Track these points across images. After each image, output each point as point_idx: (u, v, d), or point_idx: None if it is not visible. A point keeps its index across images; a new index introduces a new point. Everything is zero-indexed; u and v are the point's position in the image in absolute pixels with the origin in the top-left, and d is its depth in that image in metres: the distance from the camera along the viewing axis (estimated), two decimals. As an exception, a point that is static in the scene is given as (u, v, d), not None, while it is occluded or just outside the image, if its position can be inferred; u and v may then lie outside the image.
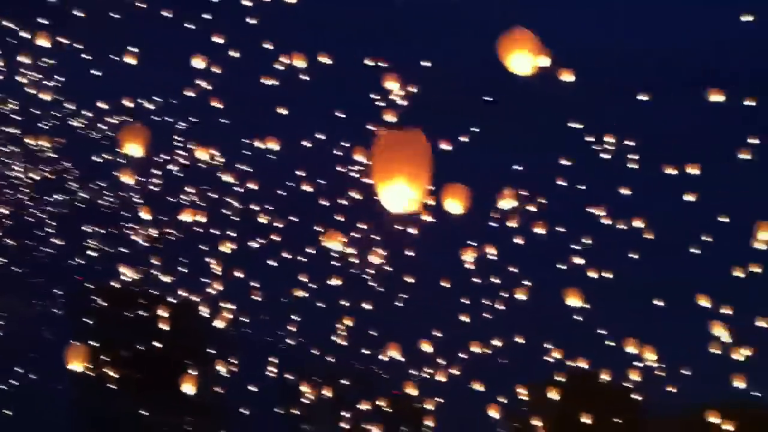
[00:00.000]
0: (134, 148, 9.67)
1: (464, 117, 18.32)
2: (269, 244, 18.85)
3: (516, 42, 6.85)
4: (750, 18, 13.70)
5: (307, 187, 17.23)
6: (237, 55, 15.14)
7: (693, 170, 14.80)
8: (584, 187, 17.63)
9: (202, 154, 16.47)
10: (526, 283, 18.35)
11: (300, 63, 13.71)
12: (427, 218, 17.47)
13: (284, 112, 15.58)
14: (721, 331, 14.14)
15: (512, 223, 17.36)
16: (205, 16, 15.56)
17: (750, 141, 14.95)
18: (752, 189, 18.16)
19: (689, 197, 15.77)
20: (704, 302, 15.96)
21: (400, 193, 4.14)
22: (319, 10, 18.24)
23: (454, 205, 7.21)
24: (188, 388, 13.26)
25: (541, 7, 18.67)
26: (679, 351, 18.52)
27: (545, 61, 13.01)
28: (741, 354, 16.79)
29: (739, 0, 14.65)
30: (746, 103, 15.25)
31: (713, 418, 17.95)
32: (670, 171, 15.24)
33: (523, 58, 6.85)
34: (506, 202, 14.14)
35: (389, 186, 4.14)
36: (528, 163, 18.27)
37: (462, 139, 17.68)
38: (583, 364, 19.46)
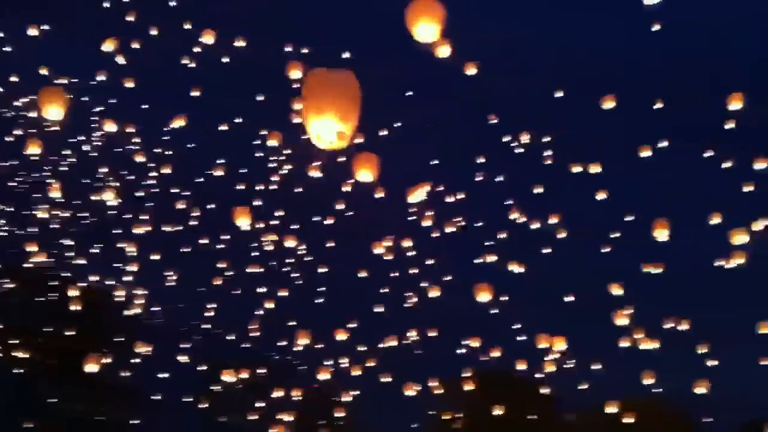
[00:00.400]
0: (54, 111, 9.34)
1: (383, 112, 18.38)
2: (185, 230, 18.63)
3: (422, 10, 6.86)
4: (657, 27, 14.10)
5: (221, 172, 17.04)
6: (155, 32, 14.91)
7: (598, 168, 15.11)
8: (500, 183, 17.88)
9: (114, 130, 16.12)
10: (441, 277, 18.53)
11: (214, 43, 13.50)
12: (345, 209, 17.55)
13: (197, 93, 15.39)
14: (624, 321, 14.40)
15: (427, 219, 17.50)
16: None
17: (656, 141, 15.32)
18: (659, 187, 18.61)
19: (601, 195, 16.09)
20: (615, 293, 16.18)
21: (330, 127, 4.26)
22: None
23: (365, 174, 7.26)
24: (91, 367, 12.96)
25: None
26: (590, 346, 18.88)
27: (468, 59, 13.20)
28: (649, 349, 17.16)
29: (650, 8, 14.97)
30: (657, 106, 15.69)
31: (624, 416, 18.35)
32: (581, 168, 15.51)
33: (428, 27, 6.87)
34: (416, 196, 14.24)
35: (319, 120, 4.26)
36: (444, 158, 18.43)
37: (381, 133, 17.80)
38: (496, 358, 19.70)
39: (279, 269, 19.30)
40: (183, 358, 19.94)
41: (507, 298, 19.11)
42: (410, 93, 19.05)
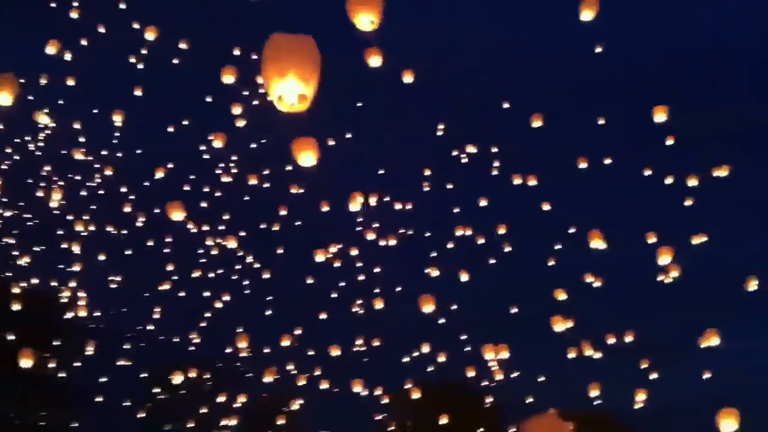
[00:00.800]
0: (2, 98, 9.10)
1: (335, 121, 18.41)
2: (131, 233, 18.45)
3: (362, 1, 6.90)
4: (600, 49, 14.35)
5: (161, 174, 16.88)
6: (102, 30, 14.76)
7: (535, 181, 15.23)
8: (447, 193, 17.96)
9: (58, 130, 15.89)
10: (387, 287, 18.58)
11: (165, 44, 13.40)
12: (291, 216, 17.50)
13: (139, 93, 15.26)
14: (561, 325, 14.43)
15: (372, 232, 17.54)
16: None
17: (600, 155, 15.50)
18: (601, 200, 18.82)
19: (545, 206, 16.22)
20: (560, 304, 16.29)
21: (292, 89, 4.27)
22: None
23: (307, 157, 7.22)
24: (26, 363, 12.69)
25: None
26: (535, 357, 19.01)
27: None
28: (594, 360, 17.29)
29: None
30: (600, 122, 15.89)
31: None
32: (523, 180, 15.63)
33: (365, 16, 6.90)
34: (356, 205, 14.28)
35: (281, 82, 4.25)
36: (392, 168, 18.47)
37: (330, 142, 17.80)
38: (442, 367, 19.76)
39: (225, 274, 19.21)
40: (125, 362, 19.69)
41: (453, 308, 19.25)
42: (360, 104, 19.07)
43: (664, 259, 12.75)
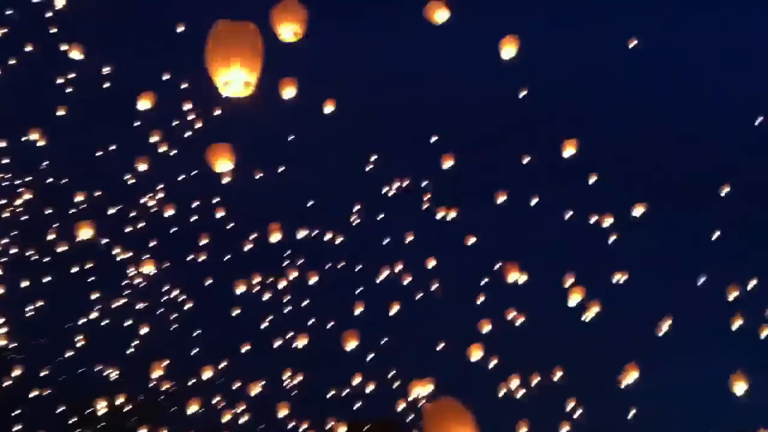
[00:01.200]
0: None
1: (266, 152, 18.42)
2: (53, 259, 17.97)
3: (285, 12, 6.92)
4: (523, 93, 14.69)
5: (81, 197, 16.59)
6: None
7: (454, 212, 15.38)
8: (375, 227, 18.00)
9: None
10: (313, 321, 18.47)
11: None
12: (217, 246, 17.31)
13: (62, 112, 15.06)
14: (477, 353, 14.43)
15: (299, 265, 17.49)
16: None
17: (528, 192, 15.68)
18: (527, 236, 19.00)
19: (471, 239, 16.35)
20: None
21: (237, 77, 4.37)
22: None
23: (224, 163, 7.27)
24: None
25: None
26: (462, 394, 18.96)
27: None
28: (520, 399, 17.32)
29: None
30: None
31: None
32: (452, 213, 15.75)
33: (288, 27, 6.93)
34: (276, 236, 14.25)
35: (227, 70, 4.35)
36: (322, 199, 18.47)
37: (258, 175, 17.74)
38: (367, 403, 19.63)
39: (150, 304, 18.88)
40: (43, 393, 19.12)
41: (382, 343, 19.21)
42: (293, 137, 19.05)
43: (575, 298, 12.96)
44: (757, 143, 19.59)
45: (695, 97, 19.88)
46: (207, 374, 17.30)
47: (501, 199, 14.48)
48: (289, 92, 10.19)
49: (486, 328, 15.40)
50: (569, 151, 12.51)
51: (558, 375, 17.20)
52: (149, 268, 14.71)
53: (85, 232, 11.59)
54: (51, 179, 17.58)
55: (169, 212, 16.25)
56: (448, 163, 14.08)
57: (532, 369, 17.41)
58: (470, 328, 16.76)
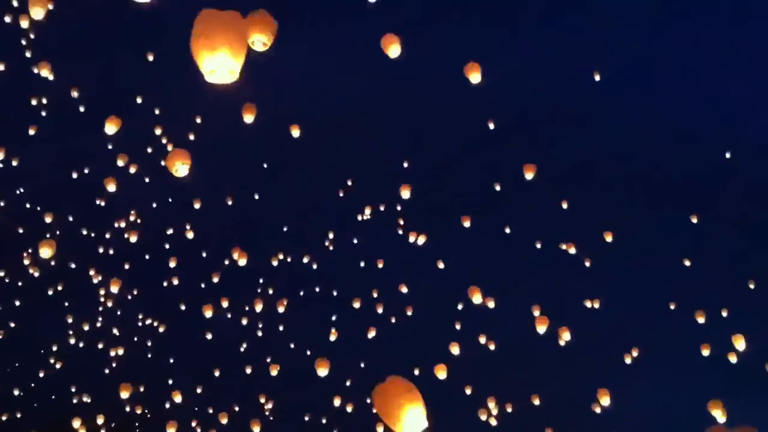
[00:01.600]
0: None
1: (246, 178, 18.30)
2: (25, 284, 17.81)
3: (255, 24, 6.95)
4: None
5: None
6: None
7: (424, 239, 15.33)
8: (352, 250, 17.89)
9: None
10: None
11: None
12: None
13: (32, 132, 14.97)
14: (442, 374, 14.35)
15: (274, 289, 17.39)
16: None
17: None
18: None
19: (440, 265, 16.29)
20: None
21: (223, 63, 4.48)
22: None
23: (182, 168, 7.33)
24: None
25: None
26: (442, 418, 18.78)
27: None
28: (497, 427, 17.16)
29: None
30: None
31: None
32: (421, 239, 15.68)
33: (258, 38, 6.97)
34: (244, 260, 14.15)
35: (212, 56, 4.47)
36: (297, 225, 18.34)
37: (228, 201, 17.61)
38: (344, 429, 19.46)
39: (123, 328, 18.74)
40: (14, 416, 18.94)
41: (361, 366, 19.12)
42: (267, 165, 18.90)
43: (541, 327, 12.98)
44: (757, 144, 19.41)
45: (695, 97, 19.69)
46: (179, 398, 17.16)
47: (467, 223, 14.48)
48: (249, 118, 10.18)
49: (456, 350, 15.39)
50: (529, 174, 12.59)
51: (535, 401, 17.09)
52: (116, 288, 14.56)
53: (45, 251, 11.49)
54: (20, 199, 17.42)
55: (140, 237, 16.14)
56: (406, 192, 14.08)
57: (508, 394, 17.36)
58: (445, 352, 16.73)
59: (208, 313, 15.08)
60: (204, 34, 4.56)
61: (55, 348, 19.14)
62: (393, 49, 8.29)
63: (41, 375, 19.19)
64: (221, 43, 4.52)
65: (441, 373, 13.30)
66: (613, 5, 19.68)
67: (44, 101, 15.63)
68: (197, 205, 15.52)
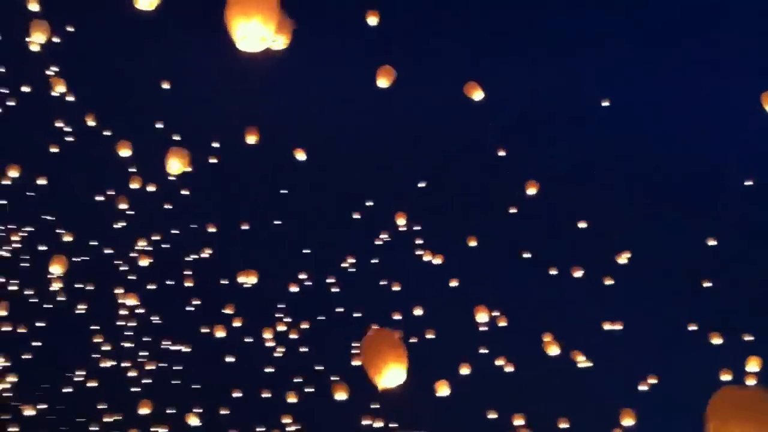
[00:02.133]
0: None
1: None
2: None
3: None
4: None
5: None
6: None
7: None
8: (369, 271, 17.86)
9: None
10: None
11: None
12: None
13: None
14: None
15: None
16: None
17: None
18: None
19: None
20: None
21: (255, 30, 4.72)
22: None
23: (175, 164, 7.49)
24: None
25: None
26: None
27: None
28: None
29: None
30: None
31: None
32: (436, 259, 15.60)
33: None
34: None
35: (246, 23, 4.72)
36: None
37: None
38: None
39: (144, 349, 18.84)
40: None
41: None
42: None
43: (554, 349, 12.86)
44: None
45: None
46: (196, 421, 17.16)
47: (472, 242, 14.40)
48: (251, 139, 10.29)
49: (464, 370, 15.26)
50: (531, 190, 12.53)
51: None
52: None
53: (56, 268, 11.63)
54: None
55: (158, 259, 16.31)
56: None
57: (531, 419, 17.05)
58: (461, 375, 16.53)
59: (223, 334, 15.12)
60: (239, 2, 4.81)
61: (79, 369, 19.25)
62: (382, 83, 8.30)
63: (65, 392, 19.32)
64: (254, 12, 4.76)
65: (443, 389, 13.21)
66: (614, 12, 19.59)
67: (64, 120, 15.92)
68: (212, 229, 15.61)
